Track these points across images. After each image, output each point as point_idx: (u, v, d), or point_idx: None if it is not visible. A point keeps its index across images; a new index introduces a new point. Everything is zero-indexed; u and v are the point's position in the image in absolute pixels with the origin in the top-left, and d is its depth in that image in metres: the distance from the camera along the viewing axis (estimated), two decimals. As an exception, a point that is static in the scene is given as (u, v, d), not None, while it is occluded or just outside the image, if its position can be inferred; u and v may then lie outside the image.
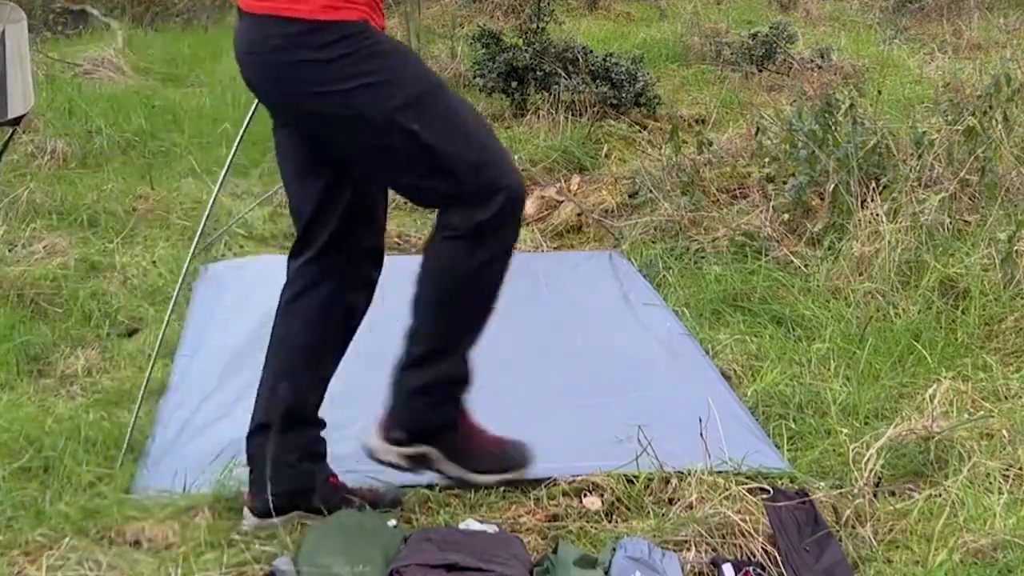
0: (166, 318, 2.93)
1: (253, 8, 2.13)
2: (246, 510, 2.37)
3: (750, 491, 2.46)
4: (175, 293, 2.92)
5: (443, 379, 2.30)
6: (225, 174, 2.84)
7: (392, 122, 2.09)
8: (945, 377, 2.98)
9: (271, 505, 2.31)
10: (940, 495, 2.49)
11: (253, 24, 2.15)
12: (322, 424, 2.41)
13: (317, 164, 2.27)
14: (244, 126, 2.72)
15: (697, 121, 5.88)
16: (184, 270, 2.95)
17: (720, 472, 2.57)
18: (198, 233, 2.88)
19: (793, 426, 2.90)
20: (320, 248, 2.31)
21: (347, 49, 2.08)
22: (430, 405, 2.30)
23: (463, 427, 2.36)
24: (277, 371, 2.36)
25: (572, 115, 5.83)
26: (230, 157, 2.77)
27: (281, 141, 2.33)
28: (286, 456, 2.33)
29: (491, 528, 2.33)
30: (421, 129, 2.10)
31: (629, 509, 2.50)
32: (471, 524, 2.35)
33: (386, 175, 2.25)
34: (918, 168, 4.04)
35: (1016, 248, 3.60)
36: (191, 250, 2.94)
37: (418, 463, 2.34)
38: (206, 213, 2.90)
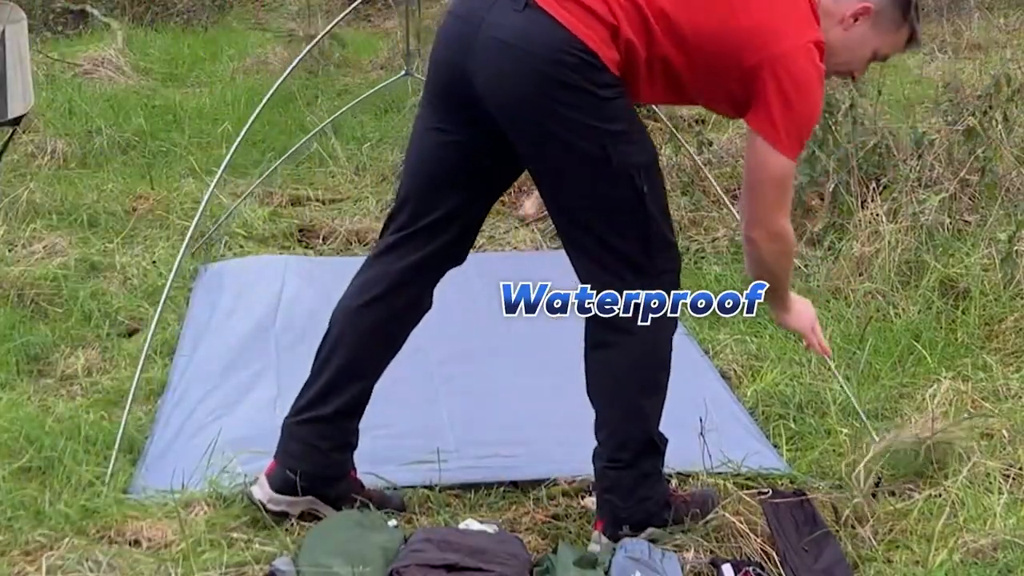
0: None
1: (557, 14, 2.02)
2: (263, 478, 2.37)
3: (749, 492, 2.47)
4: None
5: (649, 461, 2.33)
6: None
7: (629, 176, 2.13)
8: (945, 377, 2.98)
9: (289, 484, 2.32)
10: (940, 495, 2.49)
11: (548, 25, 2.03)
12: (361, 415, 2.39)
13: (468, 176, 2.25)
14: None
15: (697, 121, 5.87)
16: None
17: (720, 473, 2.57)
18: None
19: (793, 426, 2.90)
20: (426, 253, 2.29)
21: (617, 96, 2.10)
22: (647, 496, 2.32)
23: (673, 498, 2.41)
24: (352, 365, 2.32)
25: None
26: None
27: (431, 141, 2.26)
28: (321, 442, 2.33)
29: (491, 528, 2.33)
30: (648, 192, 2.15)
31: (629, 509, 2.49)
32: (471, 524, 2.34)
33: (589, 215, 2.19)
34: (918, 168, 4.04)
35: (1016, 248, 3.60)
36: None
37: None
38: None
